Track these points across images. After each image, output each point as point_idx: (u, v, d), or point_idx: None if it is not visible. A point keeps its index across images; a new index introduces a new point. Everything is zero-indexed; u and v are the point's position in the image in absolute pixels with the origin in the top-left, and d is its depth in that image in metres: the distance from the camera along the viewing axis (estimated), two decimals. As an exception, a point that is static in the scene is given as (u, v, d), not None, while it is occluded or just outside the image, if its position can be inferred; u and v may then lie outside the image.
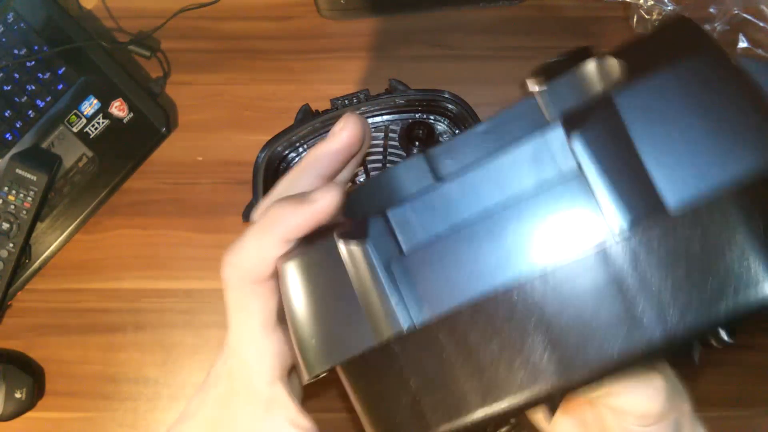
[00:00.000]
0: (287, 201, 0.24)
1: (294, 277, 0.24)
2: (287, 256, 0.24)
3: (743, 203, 0.19)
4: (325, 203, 0.24)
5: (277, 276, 0.25)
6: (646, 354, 0.19)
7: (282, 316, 0.26)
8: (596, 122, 0.20)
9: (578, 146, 0.20)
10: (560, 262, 0.20)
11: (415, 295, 0.21)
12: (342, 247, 0.22)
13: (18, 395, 0.56)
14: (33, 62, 0.59)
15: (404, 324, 0.21)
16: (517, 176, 0.21)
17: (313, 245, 0.23)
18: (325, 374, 0.23)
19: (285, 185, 0.27)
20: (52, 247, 0.59)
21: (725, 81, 0.19)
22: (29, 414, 0.58)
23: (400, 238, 0.21)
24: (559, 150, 0.20)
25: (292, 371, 0.28)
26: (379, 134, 0.55)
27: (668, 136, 0.19)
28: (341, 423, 0.57)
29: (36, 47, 0.59)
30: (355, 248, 0.22)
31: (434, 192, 0.21)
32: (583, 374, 0.20)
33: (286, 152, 0.55)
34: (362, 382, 0.23)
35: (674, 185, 0.19)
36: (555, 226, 0.20)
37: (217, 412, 0.28)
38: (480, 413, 0.21)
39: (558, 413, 0.22)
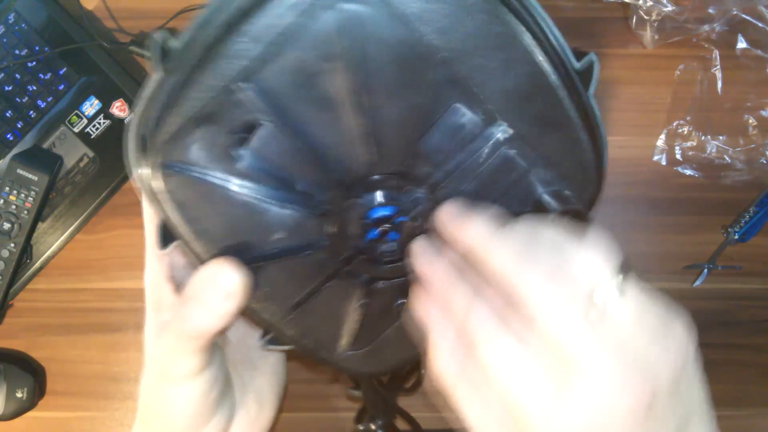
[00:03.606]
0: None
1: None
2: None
3: None
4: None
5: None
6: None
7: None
8: None
9: None
10: None
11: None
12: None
13: (19, 395, 0.57)
14: (34, 63, 0.59)
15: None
16: None
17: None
18: None
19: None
20: (54, 247, 0.59)
21: None
22: (30, 413, 0.58)
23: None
24: None
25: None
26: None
27: None
28: (306, 421, 0.58)
29: (37, 48, 0.59)
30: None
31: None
32: None
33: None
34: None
35: None
36: None
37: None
38: None
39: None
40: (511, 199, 0.28)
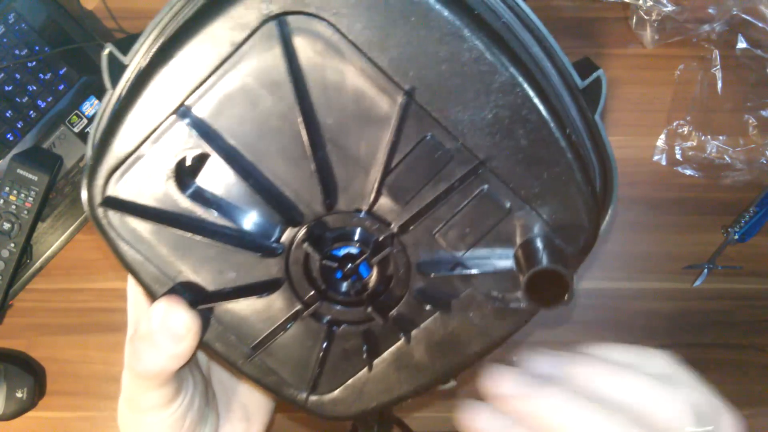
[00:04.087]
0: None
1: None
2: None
3: None
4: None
5: None
6: None
7: None
8: None
9: None
10: None
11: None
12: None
13: (19, 395, 0.57)
14: (34, 63, 0.59)
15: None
16: None
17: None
18: None
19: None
20: (54, 247, 0.59)
21: None
22: (30, 413, 0.58)
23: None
24: None
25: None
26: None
27: None
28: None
29: (37, 48, 0.59)
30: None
31: None
32: None
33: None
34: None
35: None
36: None
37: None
38: None
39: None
40: (492, 243, 0.25)
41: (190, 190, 0.25)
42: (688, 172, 0.59)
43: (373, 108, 0.23)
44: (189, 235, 0.25)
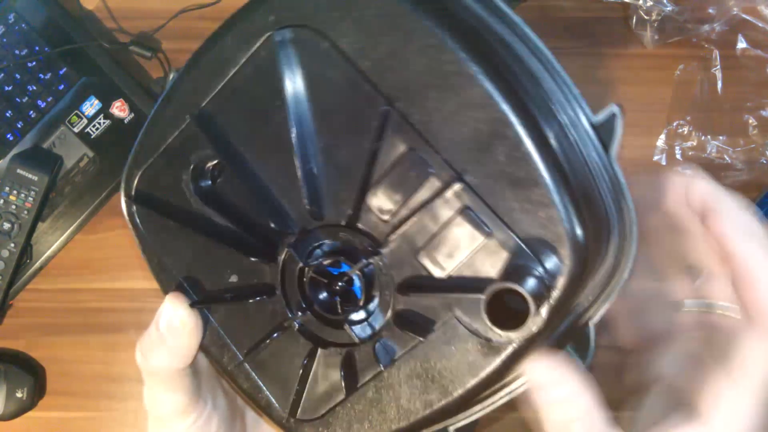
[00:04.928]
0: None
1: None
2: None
3: None
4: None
5: None
6: None
7: None
8: None
9: None
10: None
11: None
12: None
13: (19, 395, 0.57)
14: (34, 63, 0.59)
15: None
16: None
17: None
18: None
19: None
20: (54, 247, 0.59)
21: None
22: (30, 413, 0.58)
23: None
24: None
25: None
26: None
27: None
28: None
29: (37, 48, 0.59)
30: None
31: None
32: None
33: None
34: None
35: None
36: None
37: None
38: None
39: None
40: (475, 266, 0.23)
41: (200, 192, 0.27)
42: (689, 172, 0.59)
43: (359, 118, 0.23)
44: (198, 234, 0.27)
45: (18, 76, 0.59)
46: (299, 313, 0.27)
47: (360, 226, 0.25)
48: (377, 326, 0.26)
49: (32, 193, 0.57)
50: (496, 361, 0.23)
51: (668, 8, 0.55)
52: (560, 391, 0.23)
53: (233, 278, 0.27)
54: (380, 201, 0.24)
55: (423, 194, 0.23)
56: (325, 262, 0.26)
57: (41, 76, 0.59)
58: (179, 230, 0.28)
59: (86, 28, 0.60)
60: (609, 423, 0.23)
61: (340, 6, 0.23)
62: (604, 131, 0.22)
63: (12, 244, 0.57)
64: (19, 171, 0.56)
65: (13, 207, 0.57)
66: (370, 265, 0.25)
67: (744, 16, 0.55)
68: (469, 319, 0.23)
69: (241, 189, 0.26)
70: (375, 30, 0.22)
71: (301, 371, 0.27)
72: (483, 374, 0.23)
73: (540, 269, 0.22)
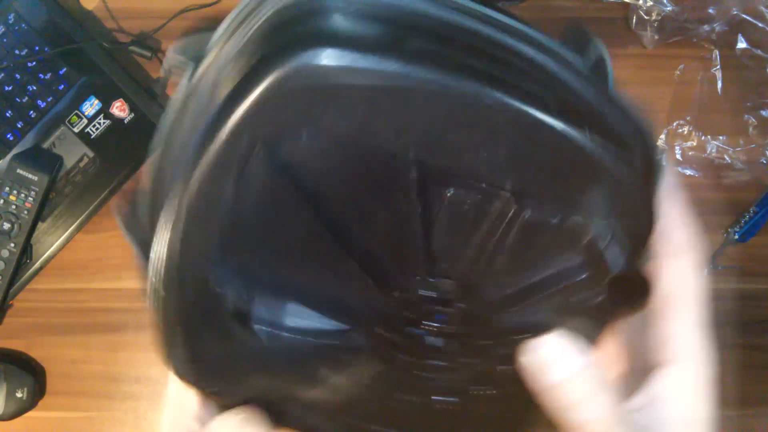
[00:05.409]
0: None
1: None
2: None
3: None
4: None
5: None
6: None
7: None
8: None
9: None
10: None
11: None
12: None
13: (19, 395, 0.57)
14: (34, 63, 0.59)
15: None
16: None
17: None
18: None
19: None
20: (54, 247, 0.59)
21: None
22: (30, 413, 0.58)
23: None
24: None
25: None
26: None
27: None
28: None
29: (37, 48, 0.59)
30: None
31: None
32: None
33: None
34: None
35: None
36: None
37: None
38: None
39: None
40: (555, 261, 0.24)
41: (246, 328, 0.24)
42: (688, 172, 0.59)
43: (389, 188, 0.22)
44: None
45: (18, 76, 0.59)
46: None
47: (433, 279, 0.24)
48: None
49: (32, 193, 0.57)
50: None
51: (668, 8, 0.55)
52: (565, 370, 0.23)
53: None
54: (445, 244, 0.23)
55: (481, 223, 0.23)
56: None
57: (41, 76, 0.59)
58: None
59: (86, 28, 0.60)
60: (616, 399, 0.23)
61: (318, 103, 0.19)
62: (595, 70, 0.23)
63: (12, 244, 0.57)
64: (19, 171, 0.56)
65: (13, 207, 0.57)
66: (454, 304, 0.25)
67: (744, 16, 0.56)
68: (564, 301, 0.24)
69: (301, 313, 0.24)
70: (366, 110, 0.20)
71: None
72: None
73: (620, 234, 0.22)
